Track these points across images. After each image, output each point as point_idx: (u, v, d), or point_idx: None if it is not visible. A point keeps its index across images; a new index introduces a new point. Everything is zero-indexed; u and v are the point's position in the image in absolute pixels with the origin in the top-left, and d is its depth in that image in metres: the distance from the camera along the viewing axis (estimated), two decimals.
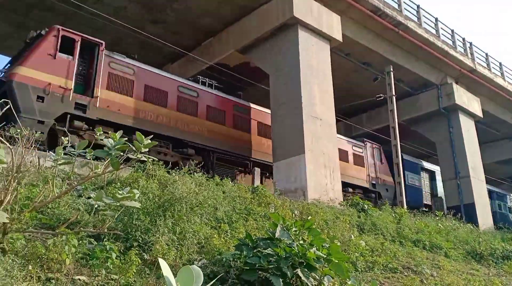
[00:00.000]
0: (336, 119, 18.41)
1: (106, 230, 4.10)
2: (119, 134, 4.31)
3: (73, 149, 4.49)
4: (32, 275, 3.42)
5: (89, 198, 5.83)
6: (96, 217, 5.11)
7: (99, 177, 7.76)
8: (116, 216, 4.24)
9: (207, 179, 8.85)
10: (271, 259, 4.90)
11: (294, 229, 5.30)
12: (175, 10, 19.01)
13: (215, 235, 5.75)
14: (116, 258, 4.15)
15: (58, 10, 18.02)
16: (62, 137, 5.59)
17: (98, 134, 5.76)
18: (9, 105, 5.30)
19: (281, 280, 4.62)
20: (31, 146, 4.44)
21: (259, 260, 4.77)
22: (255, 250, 5.04)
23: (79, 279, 3.76)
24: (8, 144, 4.00)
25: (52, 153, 4.57)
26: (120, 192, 3.88)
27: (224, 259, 4.85)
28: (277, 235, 5.07)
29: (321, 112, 17.00)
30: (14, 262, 3.35)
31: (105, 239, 4.69)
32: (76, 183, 4.94)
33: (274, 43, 18.37)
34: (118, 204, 3.80)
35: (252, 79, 21.24)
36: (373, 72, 23.58)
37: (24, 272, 3.42)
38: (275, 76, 17.92)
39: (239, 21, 19.79)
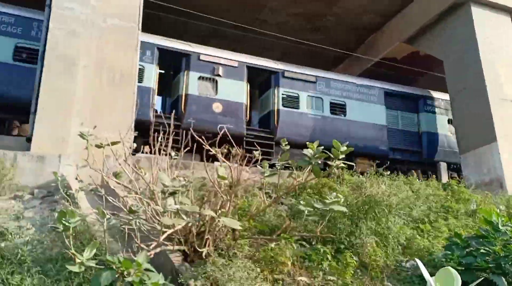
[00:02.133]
0: None
1: (318, 234, 4.38)
2: (316, 143, 4.56)
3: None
4: (263, 277, 3.85)
5: (290, 204, 6.27)
6: (300, 222, 5.46)
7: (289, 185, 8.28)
8: (326, 220, 4.48)
9: (392, 180, 8.67)
10: (487, 258, 4.57)
11: (510, 225, 4.83)
12: (334, 14, 19.19)
13: (417, 236, 5.61)
14: (331, 260, 4.39)
15: (229, 37, 19.88)
16: (254, 151, 6.09)
17: (284, 144, 6.18)
18: None
19: (503, 279, 4.27)
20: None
21: (475, 259, 4.49)
22: (467, 250, 4.76)
23: (301, 280, 4.09)
24: (228, 163, 4.61)
25: (260, 167, 5.08)
26: (328, 197, 4.12)
27: (436, 260, 4.69)
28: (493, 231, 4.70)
29: (511, 92, 15.12)
30: (249, 266, 3.82)
31: (313, 243, 4.99)
32: (281, 193, 5.38)
33: (444, 26, 17.09)
34: (327, 209, 4.03)
35: (423, 68, 20.10)
36: None
37: (255, 274, 3.86)
38: (450, 60, 16.64)
39: (401, 11, 18.99)
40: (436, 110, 18.17)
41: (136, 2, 11.68)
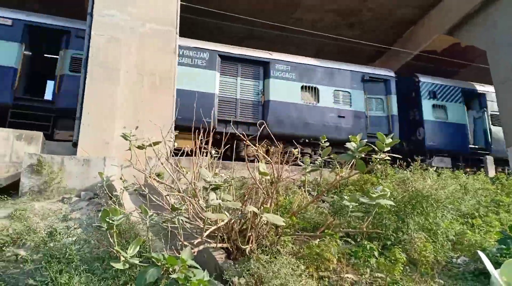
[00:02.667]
0: None
1: (364, 229, 4.26)
2: (359, 137, 4.44)
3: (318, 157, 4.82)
4: (307, 274, 3.78)
5: (331, 201, 6.15)
6: (343, 219, 5.34)
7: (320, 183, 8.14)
8: (372, 215, 4.35)
9: (438, 174, 8.40)
10: None
11: None
12: (370, 9, 18.84)
13: (467, 231, 5.37)
14: (378, 257, 4.26)
15: (262, 37, 19.89)
16: (293, 149, 6.00)
17: (323, 141, 6.06)
18: None
19: None
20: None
21: None
22: None
23: (348, 277, 3.99)
24: (269, 159, 4.57)
25: (301, 163, 5.02)
26: (374, 191, 3.99)
27: (490, 254, 4.46)
28: None
29: None
30: (294, 263, 3.76)
31: (358, 239, 4.87)
32: (323, 189, 5.29)
33: (486, 15, 16.45)
34: (374, 203, 3.91)
35: (465, 60, 19.42)
36: None
37: (300, 271, 3.79)
38: (493, 50, 15.99)
39: (440, 2, 18.41)
40: (287, 75, 15.43)
41: (173, 7, 11.87)
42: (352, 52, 21.18)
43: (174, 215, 3.74)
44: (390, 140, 4.24)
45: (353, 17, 19.47)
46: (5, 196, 7.51)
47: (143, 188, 4.91)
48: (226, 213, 3.80)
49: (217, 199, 3.78)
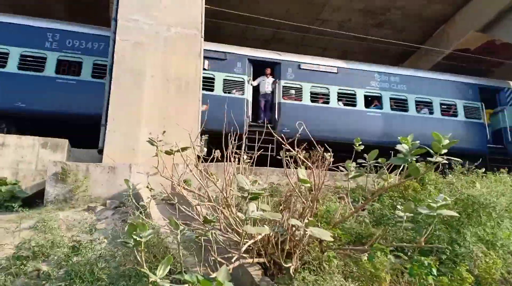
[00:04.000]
0: None
1: (423, 244, 3.78)
2: (410, 138, 3.96)
3: (363, 161, 4.37)
4: None
5: (371, 209, 5.66)
6: (391, 230, 4.86)
7: (365, 189, 7.62)
8: (431, 228, 3.85)
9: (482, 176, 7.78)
10: None
11: None
12: (399, 7, 18.21)
13: None
14: (438, 275, 3.76)
15: (287, 40, 19.50)
16: (325, 153, 5.54)
17: (357, 145, 5.57)
18: None
19: None
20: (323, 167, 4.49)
21: None
22: None
23: None
24: (311, 165, 4.15)
25: (343, 167, 4.58)
26: (434, 200, 3.51)
27: None
28: None
29: None
30: (342, 282, 3.32)
31: (409, 253, 4.37)
32: (370, 196, 4.82)
33: None
34: (435, 214, 3.43)
35: (501, 58, 18.55)
36: None
37: None
38: None
39: None
40: None
41: (197, 10, 11.60)
42: (382, 52, 20.57)
43: (206, 228, 3.34)
44: (448, 141, 3.74)
45: (381, 16, 18.87)
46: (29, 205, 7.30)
47: (171, 197, 4.54)
48: (266, 226, 3.38)
49: (257, 209, 3.37)
